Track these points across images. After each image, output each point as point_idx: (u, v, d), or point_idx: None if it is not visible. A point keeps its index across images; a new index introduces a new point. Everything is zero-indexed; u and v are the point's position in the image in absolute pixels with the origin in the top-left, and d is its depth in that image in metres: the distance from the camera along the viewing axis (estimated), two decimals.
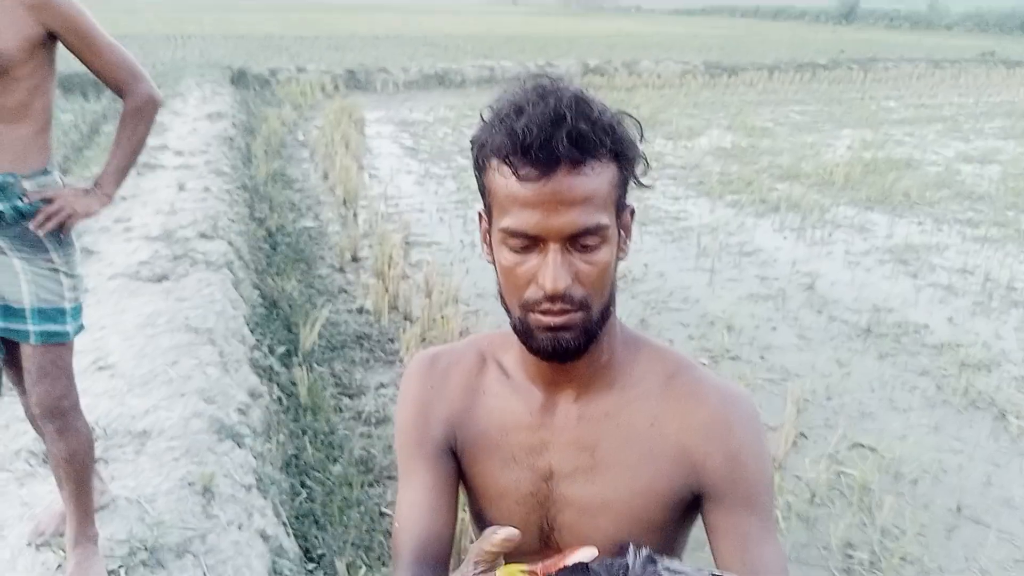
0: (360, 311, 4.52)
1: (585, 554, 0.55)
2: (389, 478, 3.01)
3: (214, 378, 2.88)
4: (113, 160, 1.78)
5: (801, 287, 5.09)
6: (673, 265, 5.47)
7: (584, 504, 0.87)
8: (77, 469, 1.81)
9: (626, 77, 15.63)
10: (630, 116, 0.81)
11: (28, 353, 1.72)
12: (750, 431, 0.84)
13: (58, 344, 1.74)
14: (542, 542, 0.91)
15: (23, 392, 1.90)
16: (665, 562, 0.54)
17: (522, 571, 0.57)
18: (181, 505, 2.15)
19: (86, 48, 1.68)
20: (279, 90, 12.83)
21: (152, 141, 6.84)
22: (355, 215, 6.30)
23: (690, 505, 0.86)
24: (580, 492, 0.87)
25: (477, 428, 0.91)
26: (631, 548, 0.54)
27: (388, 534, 2.68)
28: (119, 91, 1.76)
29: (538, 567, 0.56)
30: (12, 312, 1.70)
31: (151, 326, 3.23)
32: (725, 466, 0.82)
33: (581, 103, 0.75)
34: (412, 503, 0.89)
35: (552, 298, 0.77)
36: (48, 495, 2.16)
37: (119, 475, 2.26)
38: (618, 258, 0.83)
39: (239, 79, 12.93)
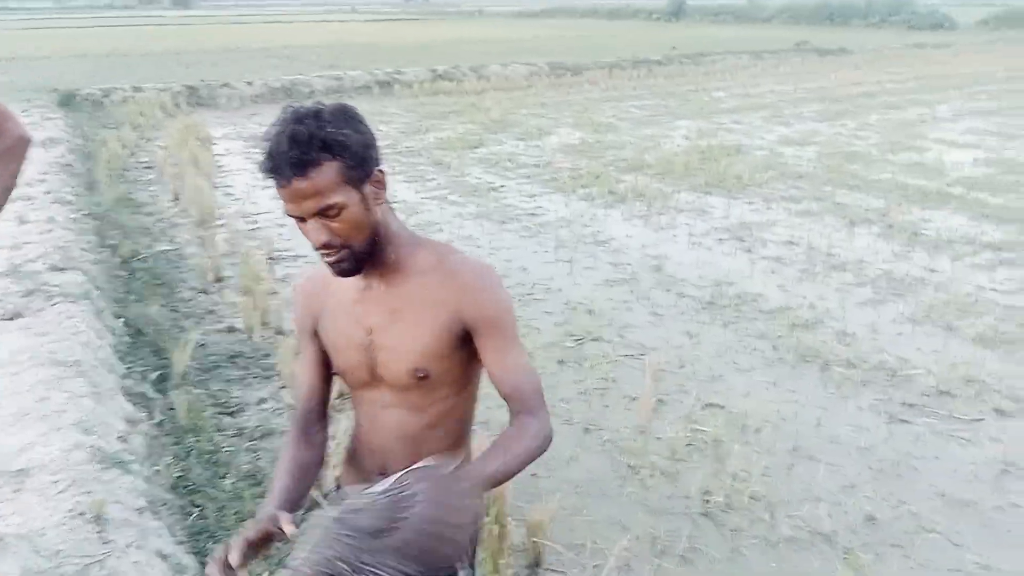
0: (230, 330, 4.51)
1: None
2: None
3: (89, 409, 2.85)
4: None
5: (651, 269, 5.52)
6: (534, 259, 5.77)
7: (392, 346, 1.29)
8: None
9: (475, 81, 15.96)
10: (351, 117, 1.17)
11: None
12: (490, 284, 1.30)
13: None
14: (370, 375, 1.33)
15: None
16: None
17: None
18: (74, 535, 2.16)
19: None
20: (114, 111, 12.22)
21: None
22: (213, 235, 6.20)
23: (464, 339, 1.28)
24: (389, 339, 1.29)
25: (329, 311, 1.36)
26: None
27: None
28: None
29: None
30: None
31: (13, 364, 3.13)
32: (477, 308, 1.27)
33: (301, 129, 1.11)
34: (302, 369, 1.43)
35: (319, 248, 1.19)
36: None
37: (1, 513, 2.23)
38: (376, 205, 1.21)
39: (68, 101, 12.21)
